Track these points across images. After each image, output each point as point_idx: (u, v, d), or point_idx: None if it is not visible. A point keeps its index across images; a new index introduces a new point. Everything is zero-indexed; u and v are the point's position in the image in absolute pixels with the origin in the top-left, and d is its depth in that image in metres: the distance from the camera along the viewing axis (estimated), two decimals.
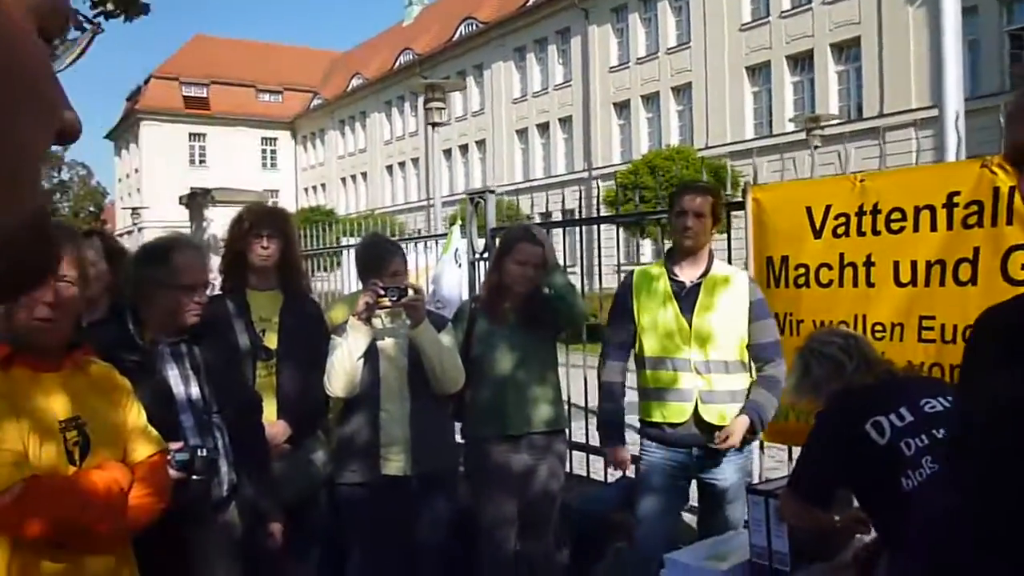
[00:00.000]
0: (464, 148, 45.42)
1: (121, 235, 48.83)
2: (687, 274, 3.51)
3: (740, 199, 4.02)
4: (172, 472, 2.58)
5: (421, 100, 15.15)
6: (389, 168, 51.15)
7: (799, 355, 2.75)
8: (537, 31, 40.38)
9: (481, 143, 44.31)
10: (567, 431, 3.95)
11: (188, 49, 60.02)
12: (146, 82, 58.32)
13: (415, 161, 47.67)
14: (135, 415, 2.36)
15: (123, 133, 62.39)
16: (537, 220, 6.11)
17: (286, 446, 3.49)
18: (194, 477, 2.66)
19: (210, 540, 2.82)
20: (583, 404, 5.45)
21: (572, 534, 4.52)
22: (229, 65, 58.34)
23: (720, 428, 3.38)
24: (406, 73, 45.92)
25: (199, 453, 2.65)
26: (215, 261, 4.86)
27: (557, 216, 19.85)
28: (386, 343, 3.51)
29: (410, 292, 3.37)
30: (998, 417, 1.16)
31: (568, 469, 5.21)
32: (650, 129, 35.17)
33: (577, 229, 5.76)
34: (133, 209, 32.69)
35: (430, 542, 3.53)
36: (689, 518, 3.98)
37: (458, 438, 3.94)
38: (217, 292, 3.75)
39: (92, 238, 3.70)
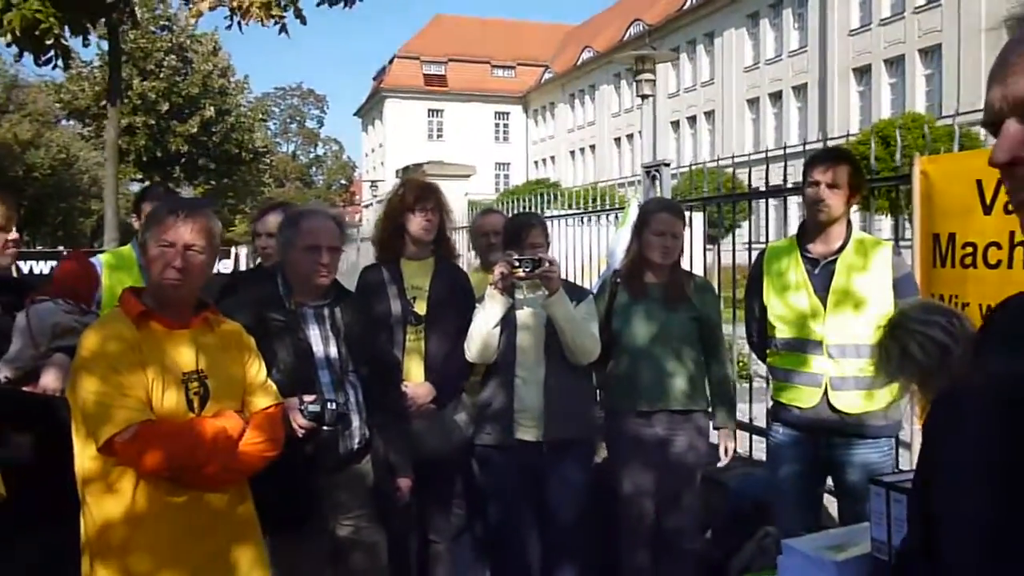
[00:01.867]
0: (692, 119, 44.57)
1: (367, 206, 52.29)
2: (820, 250, 3.31)
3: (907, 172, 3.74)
4: (303, 421, 2.84)
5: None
6: (617, 140, 51.15)
7: (890, 333, 2.31)
8: None
9: (710, 114, 43.25)
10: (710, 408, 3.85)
11: (429, 29, 62.94)
12: (390, 62, 61.83)
13: (642, 133, 47.29)
14: (256, 371, 2.63)
15: (369, 110, 66.60)
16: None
17: (431, 406, 3.70)
18: (324, 427, 2.91)
19: (341, 487, 3.07)
20: (746, 381, 5.32)
21: (724, 513, 4.45)
22: (466, 43, 60.55)
23: (851, 416, 3.19)
24: (636, 44, 45.54)
25: (329, 406, 2.89)
26: None
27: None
28: (524, 312, 3.62)
29: (544, 263, 3.45)
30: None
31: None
32: (893, 96, 32.85)
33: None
34: (372, 182, 35.20)
35: (561, 508, 3.61)
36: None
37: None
38: (374, 262, 4.02)
39: (276, 211, 4.09)
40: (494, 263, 4.20)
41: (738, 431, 5.04)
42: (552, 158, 58.98)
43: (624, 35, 49.66)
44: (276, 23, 7.19)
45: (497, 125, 62.52)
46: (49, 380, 2.78)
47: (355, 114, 71.40)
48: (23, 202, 35.15)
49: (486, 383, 3.69)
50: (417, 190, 3.85)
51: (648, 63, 12.71)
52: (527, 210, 7.74)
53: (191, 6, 7.22)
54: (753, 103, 40.46)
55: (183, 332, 2.47)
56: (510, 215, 4.54)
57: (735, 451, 3.88)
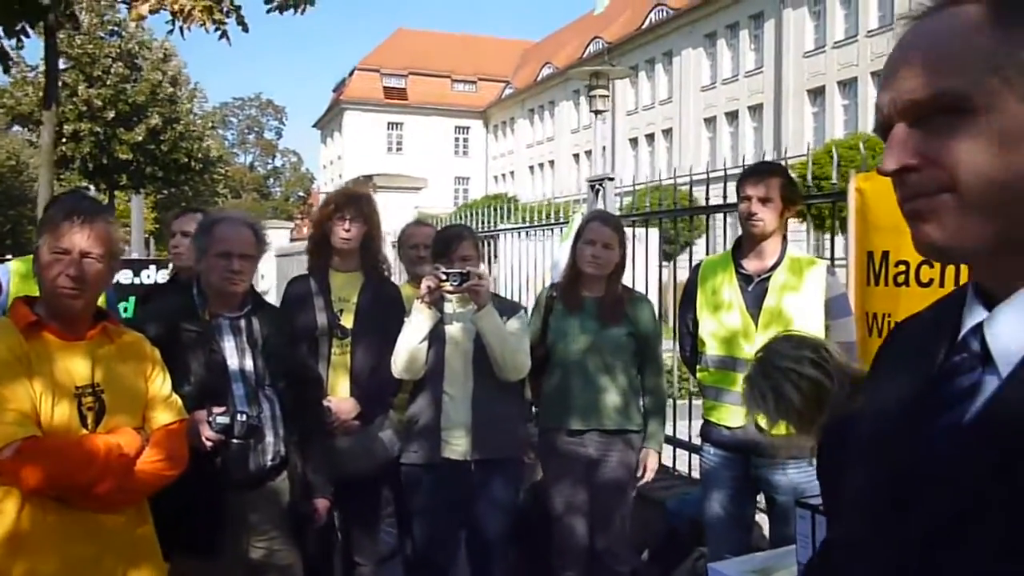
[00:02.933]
0: (651, 137, 44.93)
1: None
2: (754, 265, 3.26)
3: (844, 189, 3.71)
4: (211, 433, 2.71)
5: (610, 88, 15.04)
6: (576, 156, 51.34)
7: (760, 373, 2.20)
8: (729, 16, 39.21)
9: (668, 132, 43.62)
10: (646, 428, 3.75)
11: (390, 42, 62.80)
12: (350, 74, 61.58)
13: (604, 149, 47.53)
14: (159, 384, 2.49)
15: (329, 122, 66.19)
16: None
17: (355, 423, 3.58)
18: (233, 440, 2.78)
19: (254, 506, 2.93)
20: (686, 399, 5.27)
21: (661, 534, 4.38)
22: (427, 57, 60.48)
23: (778, 437, 3.12)
24: (595, 61, 45.85)
25: (239, 418, 2.76)
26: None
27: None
28: (453, 327, 3.52)
29: (473, 277, 3.35)
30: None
31: (672, 467, 5.06)
32: (846, 117, 33.37)
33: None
34: (327, 195, 35.00)
35: (489, 527, 3.51)
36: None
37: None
38: (303, 272, 3.90)
39: (196, 214, 3.94)
40: (422, 276, 4.11)
41: (678, 449, 5.01)
42: (512, 173, 59.03)
43: (583, 52, 49.93)
44: (217, 29, 7.05)
45: (457, 139, 62.46)
46: None
47: (314, 126, 70.91)
48: None
49: (413, 399, 3.59)
50: (339, 198, 3.74)
51: (603, 79, 12.79)
52: (484, 224, 7.66)
53: (131, 9, 7.05)
54: (710, 122, 40.88)
55: (78, 344, 2.33)
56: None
57: (657, 469, 3.77)
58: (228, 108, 77.51)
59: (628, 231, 5.54)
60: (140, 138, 21.87)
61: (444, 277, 3.33)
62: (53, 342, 2.30)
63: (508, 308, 3.61)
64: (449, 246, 3.52)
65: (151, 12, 6.92)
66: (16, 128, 29.29)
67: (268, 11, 8.27)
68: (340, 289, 3.72)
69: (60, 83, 19.51)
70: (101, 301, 3.83)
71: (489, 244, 7.90)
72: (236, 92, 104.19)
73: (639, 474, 3.69)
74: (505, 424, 3.51)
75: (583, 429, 3.56)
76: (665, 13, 43.60)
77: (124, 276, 7.77)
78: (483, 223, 7.83)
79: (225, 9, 7.26)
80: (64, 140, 20.92)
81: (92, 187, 22.77)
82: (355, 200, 3.77)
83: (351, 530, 3.72)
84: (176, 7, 6.85)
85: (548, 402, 3.66)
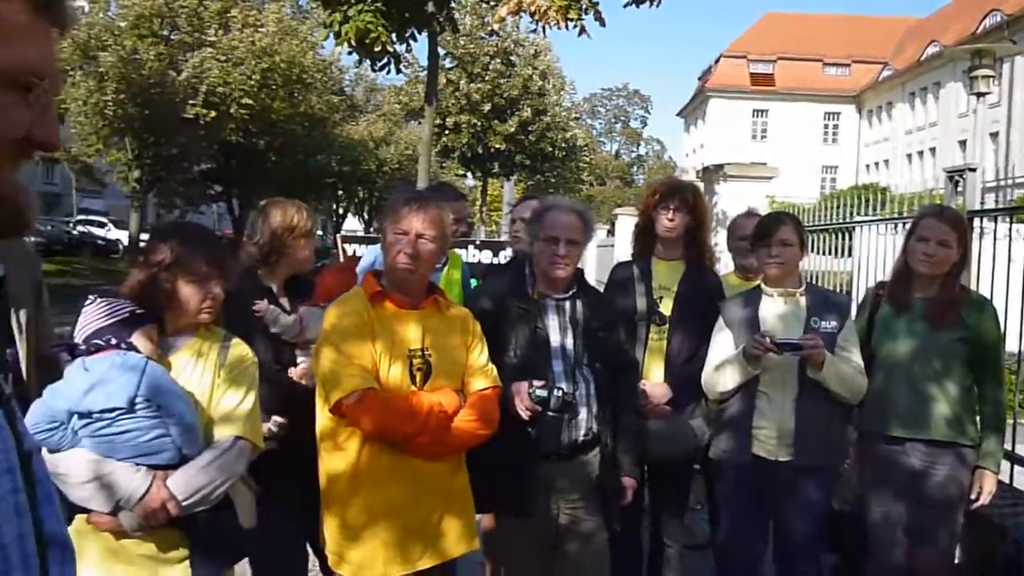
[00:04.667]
0: None
1: None
2: None
3: None
4: (528, 403, 2.94)
5: (1007, 68, 13.56)
6: (962, 143, 46.44)
7: None
8: None
9: None
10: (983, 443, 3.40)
11: (758, 27, 61.24)
12: (716, 61, 61.02)
13: (993, 136, 42.57)
14: (477, 354, 2.78)
15: (693, 111, 66.27)
16: None
17: (667, 408, 3.66)
18: (549, 413, 2.99)
19: (563, 474, 3.13)
20: None
21: (1001, 560, 3.96)
22: (797, 40, 58.10)
23: None
24: (991, 37, 41.05)
25: (556, 392, 2.97)
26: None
27: None
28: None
29: (805, 347, 3.26)
30: None
31: None
32: None
33: None
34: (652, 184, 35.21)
35: (796, 531, 3.41)
36: None
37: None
38: (627, 259, 4.05)
39: (532, 201, 4.26)
40: (748, 268, 4.07)
41: None
42: (886, 161, 54.84)
43: (978, 28, 44.89)
44: (574, 26, 7.46)
45: (826, 126, 59.31)
46: (300, 371, 3.08)
47: (678, 114, 71.35)
48: (375, 193, 39.18)
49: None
50: (664, 188, 3.82)
51: (987, 57, 11.51)
52: (850, 214, 7.28)
53: (493, 13, 7.73)
54: None
55: (412, 312, 2.69)
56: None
57: (991, 493, 3.39)
58: (597, 99, 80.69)
59: (996, 228, 5.02)
60: (512, 129, 23.78)
61: (774, 348, 3.28)
62: (392, 310, 2.67)
63: (835, 307, 3.48)
64: (768, 229, 3.47)
65: (510, 14, 7.49)
66: (412, 123, 32.88)
67: (625, 5, 8.58)
68: (661, 276, 3.80)
69: (445, 80, 21.70)
70: (457, 276, 4.31)
71: (845, 236, 7.49)
72: (607, 83, 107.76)
73: (972, 496, 3.38)
74: (829, 430, 3.38)
75: (905, 437, 3.34)
76: None
77: (485, 256, 8.55)
78: (842, 215, 7.40)
79: (583, 7, 7.63)
80: (446, 132, 23.28)
81: (469, 174, 25.10)
82: (679, 190, 3.83)
83: (660, 511, 3.82)
84: (533, 8, 7.33)
85: (869, 405, 3.45)
